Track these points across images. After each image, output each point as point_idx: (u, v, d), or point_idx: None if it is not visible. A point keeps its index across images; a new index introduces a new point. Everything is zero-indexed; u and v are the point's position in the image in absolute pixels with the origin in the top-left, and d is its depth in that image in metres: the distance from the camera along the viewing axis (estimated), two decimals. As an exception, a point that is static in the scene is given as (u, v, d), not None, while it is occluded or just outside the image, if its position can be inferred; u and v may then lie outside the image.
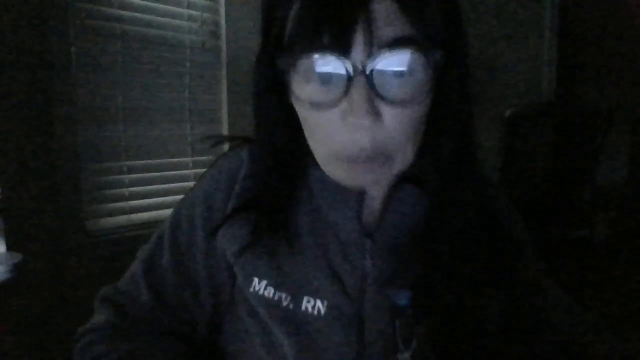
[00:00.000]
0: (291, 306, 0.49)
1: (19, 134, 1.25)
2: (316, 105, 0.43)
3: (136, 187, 1.54)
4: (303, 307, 0.49)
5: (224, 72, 1.76)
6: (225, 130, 1.77)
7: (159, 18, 1.57)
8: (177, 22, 1.63)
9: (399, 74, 0.41)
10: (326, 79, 0.41)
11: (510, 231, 0.55)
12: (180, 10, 1.63)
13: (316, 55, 0.40)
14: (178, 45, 1.63)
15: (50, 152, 1.32)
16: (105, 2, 1.44)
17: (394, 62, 0.40)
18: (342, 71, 0.40)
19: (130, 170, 1.53)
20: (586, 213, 2.14)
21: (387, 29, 0.39)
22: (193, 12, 1.67)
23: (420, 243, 0.50)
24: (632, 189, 2.54)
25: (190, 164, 1.68)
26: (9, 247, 1.23)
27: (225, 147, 0.61)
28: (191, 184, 1.62)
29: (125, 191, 1.52)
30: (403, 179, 0.50)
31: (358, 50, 0.40)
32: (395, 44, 0.40)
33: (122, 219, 1.51)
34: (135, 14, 1.51)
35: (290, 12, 0.43)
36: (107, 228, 1.47)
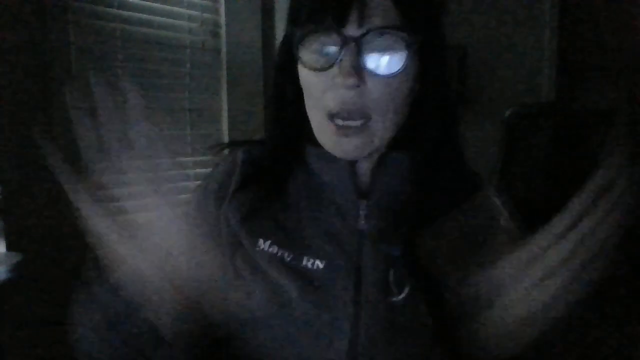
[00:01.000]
0: (294, 262, 0.56)
1: (19, 134, 1.25)
2: (315, 69, 0.53)
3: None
4: (304, 264, 0.56)
5: (224, 72, 1.75)
6: (225, 130, 1.77)
7: (159, 18, 1.57)
8: (177, 22, 1.63)
9: (382, 51, 0.51)
10: (325, 49, 0.53)
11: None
12: (180, 10, 1.63)
13: (320, 29, 0.52)
14: (178, 45, 1.63)
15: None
16: (105, 2, 1.44)
17: (379, 41, 0.51)
18: (338, 43, 0.51)
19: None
20: (586, 213, 2.14)
21: (377, 14, 0.50)
22: (193, 12, 1.67)
23: (409, 203, 0.58)
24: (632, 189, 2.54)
25: (190, 164, 1.67)
26: (9, 247, 1.23)
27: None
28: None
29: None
30: (391, 149, 0.60)
31: (351, 28, 0.51)
32: (382, 27, 0.50)
33: (122, 219, 1.51)
34: (135, 14, 1.51)
35: None
36: (107, 228, 1.47)
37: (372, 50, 0.51)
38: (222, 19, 1.74)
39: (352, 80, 0.50)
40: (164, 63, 1.59)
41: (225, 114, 1.77)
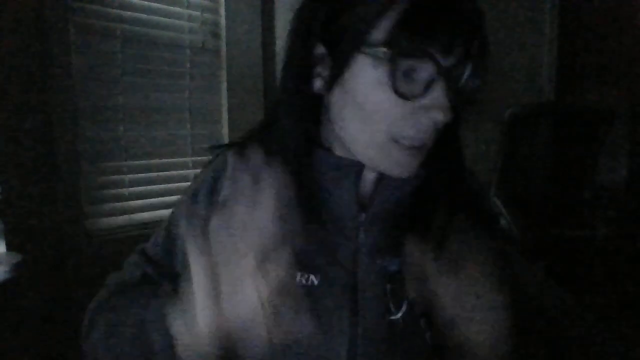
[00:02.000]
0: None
1: (19, 134, 1.25)
2: (401, 95, 0.47)
3: (136, 187, 1.54)
4: (297, 280, 0.53)
5: (224, 72, 1.76)
6: (225, 130, 1.77)
7: (159, 18, 1.58)
8: (177, 22, 1.63)
9: (469, 84, 0.49)
10: (417, 75, 0.47)
11: (488, 212, 0.65)
12: (180, 10, 1.63)
13: (414, 54, 0.46)
14: (178, 45, 1.63)
15: (50, 152, 1.32)
16: (105, 2, 1.44)
17: (470, 75, 0.49)
18: (433, 72, 0.47)
19: (130, 170, 1.53)
20: (586, 213, 2.14)
21: (474, 46, 0.48)
22: (193, 12, 1.67)
23: (409, 215, 0.55)
24: (632, 189, 2.54)
25: (190, 164, 1.68)
26: (9, 247, 1.23)
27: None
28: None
29: (125, 191, 1.52)
30: None
31: (451, 58, 0.47)
32: (476, 61, 0.48)
33: (122, 219, 1.51)
34: (135, 14, 1.51)
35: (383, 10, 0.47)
36: (107, 228, 1.47)
37: (462, 84, 0.49)
38: (222, 19, 1.74)
39: (447, 116, 0.47)
40: (164, 63, 1.60)
41: (225, 114, 1.77)
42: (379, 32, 0.47)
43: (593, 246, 2.10)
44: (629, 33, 2.58)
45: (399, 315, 0.52)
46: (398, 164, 0.51)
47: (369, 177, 0.57)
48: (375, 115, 0.50)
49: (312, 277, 0.53)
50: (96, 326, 0.55)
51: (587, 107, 2.35)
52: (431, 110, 0.47)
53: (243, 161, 0.59)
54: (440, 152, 0.55)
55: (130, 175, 1.53)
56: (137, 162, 1.54)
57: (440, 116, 0.47)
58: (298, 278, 0.53)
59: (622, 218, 2.32)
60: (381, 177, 0.56)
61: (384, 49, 0.47)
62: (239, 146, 0.61)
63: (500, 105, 2.20)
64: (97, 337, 0.55)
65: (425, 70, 0.47)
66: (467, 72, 0.48)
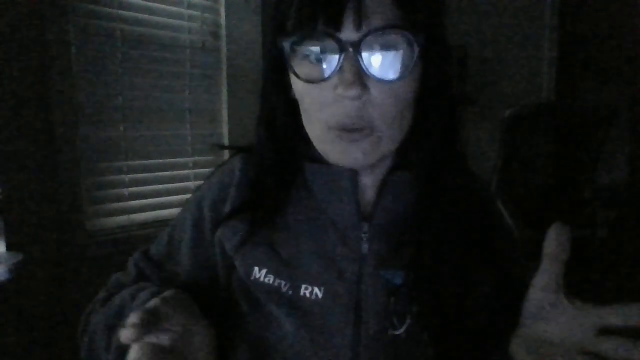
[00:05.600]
0: (290, 292, 0.52)
1: (19, 134, 1.25)
2: (311, 81, 0.48)
3: (136, 187, 1.55)
4: (301, 293, 0.52)
5: (224, 72, 1.76)
6: (225, 130, 1.77)
7: (159, 18, 1.58)
8: (177, 22, 1.63)
9: (385, 54, 0.46)
10: (320, 57, 0.47)
11: (495, 219, 0.60)
12: (180, 10, 1.64)
13: (312, 36, 0.46)
14: (178, 45, 1.63)
15: (50, 152, 1.32)
16: (105, 2, 1.44)
17: (380, 43, 0.46)
18: (335, 49, 0.46)
19: (130, 170, 1.53)
20: (586, 213, 2.14)
21: (375, 14, 0.45)
22: (193, 12, 1.67)
23: (414, 226, 0.54)
24: (632, 189, 2.55)
25: (190, 164, 1.68)
26: (9, 247, 1.23)
27: (225, 152, 0.63)
28: (191, 184, 1.63)
29: (125, 191, 1.52)
30: (395, 167, 0.55)
31: (348, 31, 0.45)
32: (382, 27, 0.45)
33: (122, 219, 1.51)
34: (135, 14, 1.52)
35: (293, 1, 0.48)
36: (107, 228, 1.47)
37: (374, 54, 0.46)
38: (222, 19, 1.74)
39: (355, 91, 0.45)
40: (164, 63, 1.60)
41: (225, 114, 1.77)
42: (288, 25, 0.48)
43: (593, 246, 2.10)
44: (629, 33, 2.58)
45: (402, 330, 0.51)
46: (343, 152, 0.50)
47: (369, 185, 0.56)
48: (306, 108, 0.51)
49: (316, 289, 0.52)
50: (89, 325, 0.56)
51: (587, 107, 2.35)
52: (339, 88, 0.46)
53: (250, 170, 0.59)
54: (441, 154, 0.54)
55: (130, 175, 1.53)
56: (137, 162, 1.54)
57: (346, 91, 0.45)
58: (302, 291, 0.52)
59: (622, 218, 2.32)
60: (381, 186, 0.55)
61: (281, 38, 0.48)
62: (247, 153, 0.60)
63: (500, 105, 2.20)
64: (89, 334, 0.55)
65: (329, 49, 0.46)
66: (369, 44, 0.45)
